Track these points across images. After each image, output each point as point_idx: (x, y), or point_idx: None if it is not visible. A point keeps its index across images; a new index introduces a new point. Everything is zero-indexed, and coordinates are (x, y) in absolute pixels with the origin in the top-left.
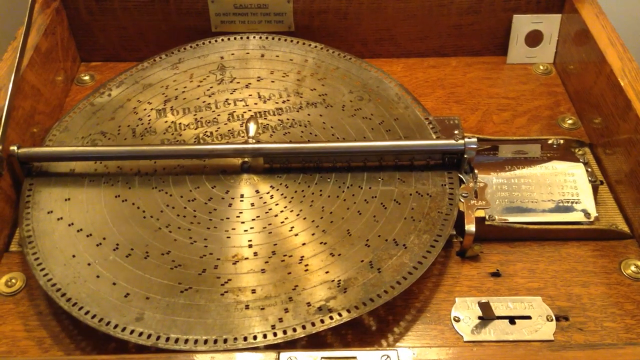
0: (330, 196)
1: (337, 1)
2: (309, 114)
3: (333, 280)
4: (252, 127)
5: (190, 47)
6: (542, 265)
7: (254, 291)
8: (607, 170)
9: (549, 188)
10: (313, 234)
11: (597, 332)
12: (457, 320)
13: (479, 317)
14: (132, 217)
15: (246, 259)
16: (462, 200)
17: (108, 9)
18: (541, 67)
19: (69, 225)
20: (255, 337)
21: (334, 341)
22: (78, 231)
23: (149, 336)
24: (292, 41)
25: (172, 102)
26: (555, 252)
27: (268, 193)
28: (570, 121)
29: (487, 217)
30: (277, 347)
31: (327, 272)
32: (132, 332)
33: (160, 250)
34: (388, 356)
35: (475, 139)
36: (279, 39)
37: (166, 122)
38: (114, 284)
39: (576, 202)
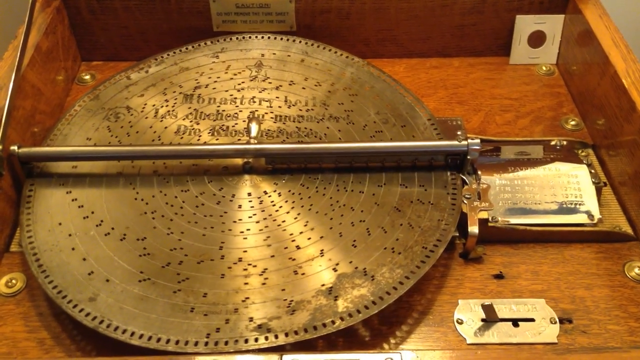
0: (319, 212)
1: (340, 1)
2: (328, 127)
3: (285, 300)
4: (254, 128)
5: (237, 38)
6: (545, 267)
7: (205, 295)
8: (610, 171)
9: (552, 189)
10: (285, 248)
11: (600, 334)
12: (460, 322)
13: (482, 320)
14: (125, 196)
15: (212, 260)
16: (465, 201)
17: (109, 8)
18: (544, 68)
19: (67, 192)
20: (186, 343)
21: (333, 342)
22: (73, 200)
23: (94, 318)
24: (335, 52)
25: (201, 90)
26: (558, 254)
27: (259, 198)
28: (573, 122)
29: (490, 218)
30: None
31: (283, 290)
32: (81, 310)
33: (137, 235)
34: (391, 359)
35: (478, 140)
36: (324, 48)
37: (189, 108)
38: (84, 259)
39: (579, 204)
